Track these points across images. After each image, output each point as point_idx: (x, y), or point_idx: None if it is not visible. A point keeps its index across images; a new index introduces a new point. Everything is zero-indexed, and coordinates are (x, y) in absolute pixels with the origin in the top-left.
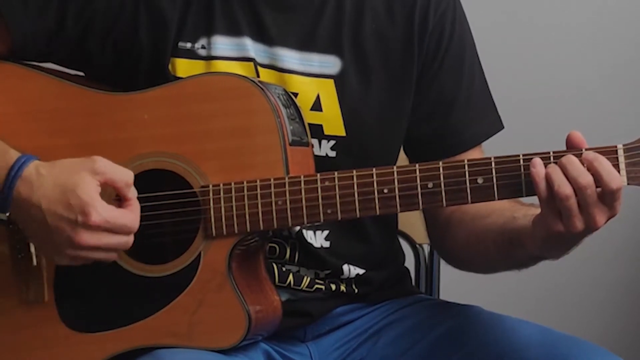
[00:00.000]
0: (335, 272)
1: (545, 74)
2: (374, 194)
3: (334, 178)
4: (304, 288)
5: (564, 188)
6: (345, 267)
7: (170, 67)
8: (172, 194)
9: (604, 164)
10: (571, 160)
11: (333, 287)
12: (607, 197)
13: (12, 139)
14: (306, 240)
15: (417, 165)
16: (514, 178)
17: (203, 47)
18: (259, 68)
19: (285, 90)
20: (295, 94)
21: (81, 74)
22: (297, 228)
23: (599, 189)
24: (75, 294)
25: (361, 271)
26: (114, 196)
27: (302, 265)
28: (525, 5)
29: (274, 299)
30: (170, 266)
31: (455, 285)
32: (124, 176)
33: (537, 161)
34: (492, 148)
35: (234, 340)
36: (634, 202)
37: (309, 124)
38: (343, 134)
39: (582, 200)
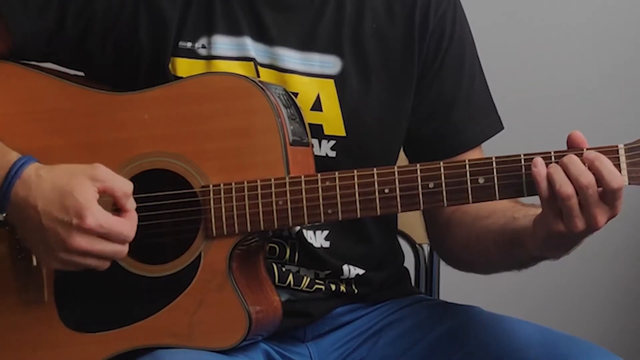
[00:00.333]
0: (335, 272)
1: (545, 73)
2: (375, 194)
3: (335, 178)
4: (303, 288)
5: (566, 188)
6: (345, 267)
7: (170, 66)
8: (173, 194)
9: (605, 164)
10: (572, 159)
11: (333, 287)
12: (609, 197)
13: (12, 139)
14: (306, 241)
15: (418, 165)
16: (515, 178)
17: (203, 46)
18: (259, 68)
19: (285, 90)
20: (296, 94)
21: (81, 74)
22: (297, 228)
23: (600, 189)
24: (75, 294)
25: (361, 271)
26: (111, 206)
27: (302, 265)
28: (525, 5)
29: (274, 299)
30: (170, 266)
31: (455, 285)
32: (123, 186)
33: (539, 161)
34: (492, 148)
35: (234, 340)
36: (634, 202)
37: (309, 124)
38: (343, 134)
39: (584, 200)
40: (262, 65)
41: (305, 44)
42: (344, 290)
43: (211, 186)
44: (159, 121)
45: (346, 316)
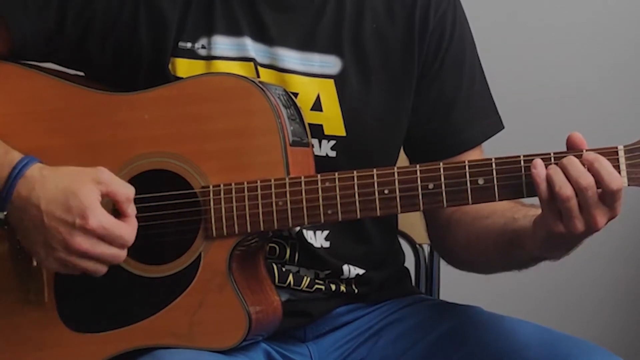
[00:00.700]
0: (335, 272)
1: (545, 74)
2: (375, 194)
3: (335, 179)
4: (303, 288)
5: (565, 189)
6: (345, 267)
7: (170, 67)
8: (173, 194)
9: (604, 165)
10: (572, 161)
11: (333, 287)
12: (608, 198)
13: (12, 139)
14: (306, 241)
15: (417, 165)
16: (514, 179)
17: (203, 47)
18: (259, 68)
19: (285, 90)
20: (296, 94)
21: (81, 74)
22: (297, 228)
23: (599, 190)
24: (75, 295)
25: (361, 271)
26: (111, 208)
27: (302, 265)
28: (525, 5)
29: (274, 299)
30: (170, 266)
31: (455, 285)
32: (126, 191)
33: (538, 162)
34: (492, 148)
35: (235, 340)
36: (634, 203)
37: (309, 124)
38: (343, 134)
39: (583, 201)
40: (262, 66)
41: (305, 44)
42: (344, 290)
43: (211, 187)
44: (158, 121)
45: (346, 316)
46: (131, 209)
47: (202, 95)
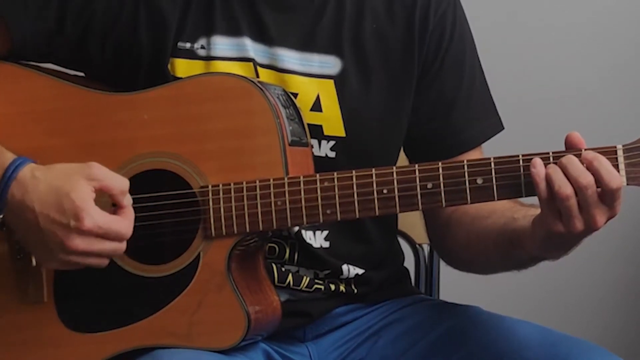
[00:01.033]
0: (335, 272)
1: (545, 74)
2: (374, 194)
3: (334, 178)
4: (303, 288)
5: (565, 188)
6: (345, 267)
7: (169, 67)
8: (172, 194)
9: (603, 164)
10: (571, 160)
11: (332, 287)
12: (607, 197)
13: (12, 140)
14: (305, 241)
15: (416, 165)
16: (513, 178)
17: (202, 47)
18: (259, 68)
19: (284, 90)
20: (295, 94)
21: (81, 74)
22: (297, 228)
23: (599, 189)
24: (74, 295)
25: (361, 271)
26: (109, 204)
27: (301, 265)
28: (525, 5)
29: (273, 299)
30: (169, 266)
31: (455, 285)
32: (119, 183)
33: (538, 161)
34: (492, 148)
35: (234, 340)
36: (633, 202)
37: (309, 125)
38: (343, 134)
39: (583, 200)
40: (262, 66)
41: (305, 44)
42: (344, 290)
43: (210, 186)
44: (158, 121)
45: (346, 316)
46: (127, 200)
47: (202, 95)
